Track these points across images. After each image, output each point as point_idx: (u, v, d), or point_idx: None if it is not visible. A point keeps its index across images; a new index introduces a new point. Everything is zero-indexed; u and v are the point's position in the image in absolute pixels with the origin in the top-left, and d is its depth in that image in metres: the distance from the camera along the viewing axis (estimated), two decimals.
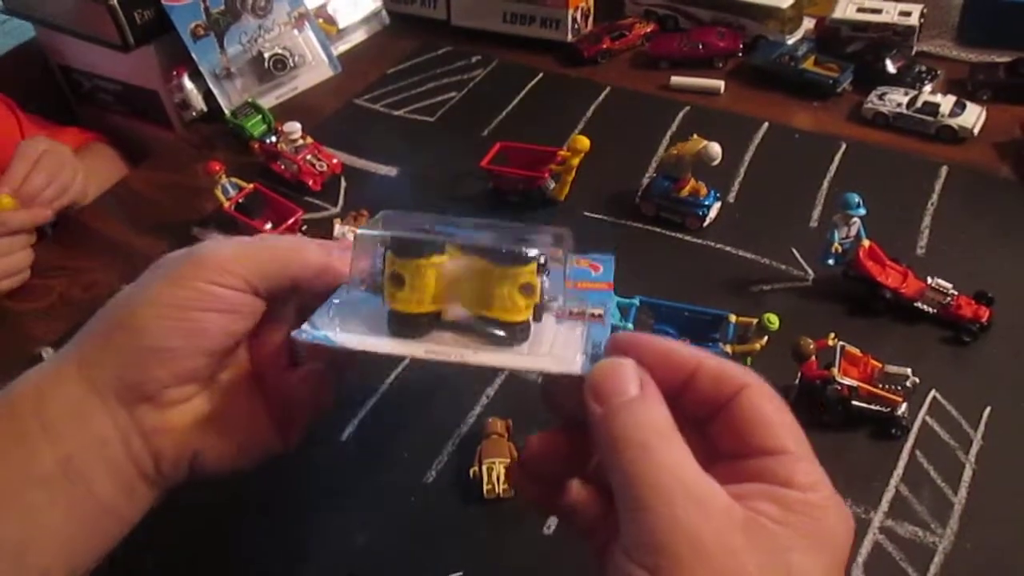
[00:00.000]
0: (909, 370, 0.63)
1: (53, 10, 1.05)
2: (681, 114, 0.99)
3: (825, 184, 0.87)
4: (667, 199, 0.84)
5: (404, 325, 0.37)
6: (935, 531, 0.58)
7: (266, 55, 1.06)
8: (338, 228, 0.85)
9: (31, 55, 1.17)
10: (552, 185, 0.87)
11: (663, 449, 0.30)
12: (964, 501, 0.59)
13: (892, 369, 0.64)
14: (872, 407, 0.63)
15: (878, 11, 1.05)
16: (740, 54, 1.08)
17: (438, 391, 0.69)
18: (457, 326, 0.38)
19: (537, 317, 0.37)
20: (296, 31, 1.10)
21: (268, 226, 0.85)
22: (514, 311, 0.36)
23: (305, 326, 0.37)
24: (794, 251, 0.79)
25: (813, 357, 0.64)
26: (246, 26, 1.06)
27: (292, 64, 1.08)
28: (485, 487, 0.60)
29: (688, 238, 0.83)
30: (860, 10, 1.06)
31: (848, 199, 0.72)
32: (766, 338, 0.66)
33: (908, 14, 1.04)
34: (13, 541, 0.34)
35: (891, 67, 1.00)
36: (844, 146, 0.92)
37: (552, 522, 0.59)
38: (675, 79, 1.04)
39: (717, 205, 0.84)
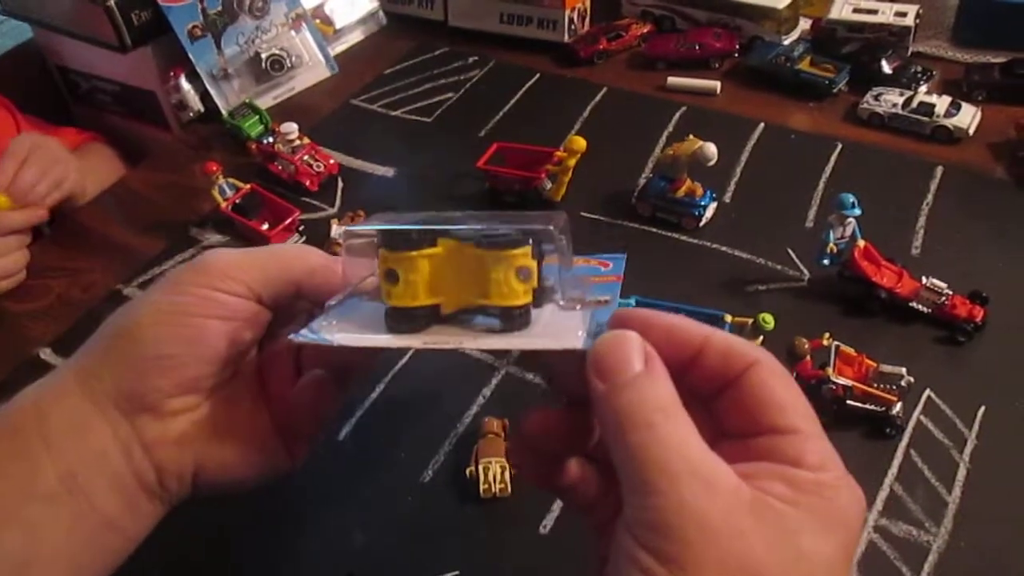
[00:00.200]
0: (904, 369, 0.63)
1: (51, 11, 1.06)
2: (677, 115, 0.99)
3: (821, 184, 0.88)
4: (663, 199, 0.84)
5: (401, 320, 0.36)
6: (929, 530, 0.58)
7: (263, 56, 1.06)
8: (335, 229, 0.85)
9: (29, 56, 1.17)
10: (549, 185, 0.87)
11: (668, 428, 0.29)
12: (958, 500, 0.59)
13: (887, 368, 0.64)
14: (867, 406, 0.63)
15: (874, 12, 1.06)
16: (736, 55, 1.08)
17: (435, 391, 0.70)
18: (456, 319, 0.37)
19: (537, 303, 0.36)
20: (293, 32, 1.10)
21: (265, 226, 0.85)
22: (511, 296, 0.35)
23: (303, 330, 0.36)
24: (790, 251, 0.79)
25: (808, 357, 0.64)
26: (243, 27, 1.06)
27: (289, 65, 1.08)
28: (482, 487, 0.60)
29: (684, 238, 0.83)
30: (856, 11, 1.06)
31: (843, 199, 0.72)
32: (761, 338, 0.66)
33: (904, 15, 1.05)
34: (16, 558, 0.34)
35: (887, 68, 1.00)
36: (840, 146, 0.92)
37: (549, 521, 0.59)
38: (671, 80, 1.05)
39: (713, 205, 0.84)
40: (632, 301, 0.69)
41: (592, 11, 1.16)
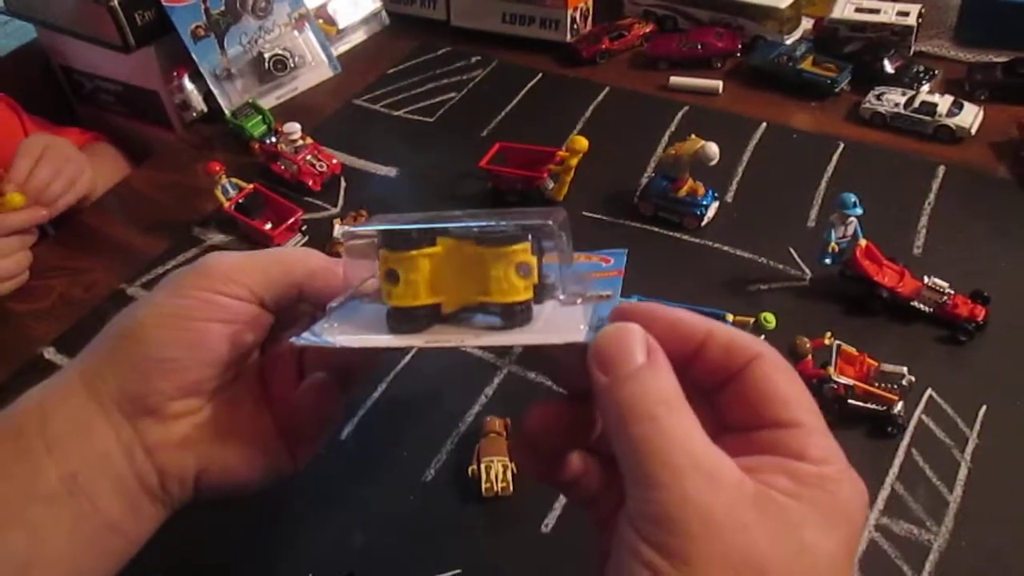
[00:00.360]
0: (905, 368, 0.63)
1: (54, 11, 1.06)
2: (680, 114, 0.99)
3: (823, 184, 0.88)
4: (665, 199, 0.84)
5: (403, 320, 0.36)
6: (930, 529, 0.58)
7: (266, 56, 1.07)
8: (338, 228, 0.85)
9: (33, 56, 1.17)
10: (551, 185, 0.87)
11: (671, 421, 0.29)
12: (959, 499, 0.59)
13: (888, 368, 0.64)
14: (868, 406, 0.63)
15: (876, 11, 1.06)
16: (738, 54, 1.08)
17: (436, 390, 0.70)
18: (457, 317, 0.37)
19: (538, 299, 0.36)
20: (296, 32, 1.11)
21: (268, 226, 0.86)
22: (512, 292, 0.35)
23: (305, 333, 0.36)
24: (791, 251, 0.79)
25: (809, 356, 0.64)
26: (246, 27, 1.06)
27: (292, 65, 1.09)
28: (484, 485, 0.60)
29: (686, 238, 0.83)
30: (858, 10, 1.06)
31: (845, 199, 0.72)
32: (763, 337, 0.66)
33: (906, 14, 1.04)
34: (18, 559, 0.34)
35: (889, 67, 1.00)
36: (842, 146, 0.92)
37: (550, 520, 0.60)
38: (674, 79, 1.05)
39: (715, 205, 0.85)
40: (634, 300, 0.69)
41: (594, 11, 1.16)
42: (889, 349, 0.68)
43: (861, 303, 0.73)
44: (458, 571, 0.57)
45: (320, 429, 0.44)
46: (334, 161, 0.95)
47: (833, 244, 0.73)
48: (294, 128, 0.95)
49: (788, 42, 1.07)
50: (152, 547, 0.59)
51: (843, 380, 0.63)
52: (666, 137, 0.96)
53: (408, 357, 0.72)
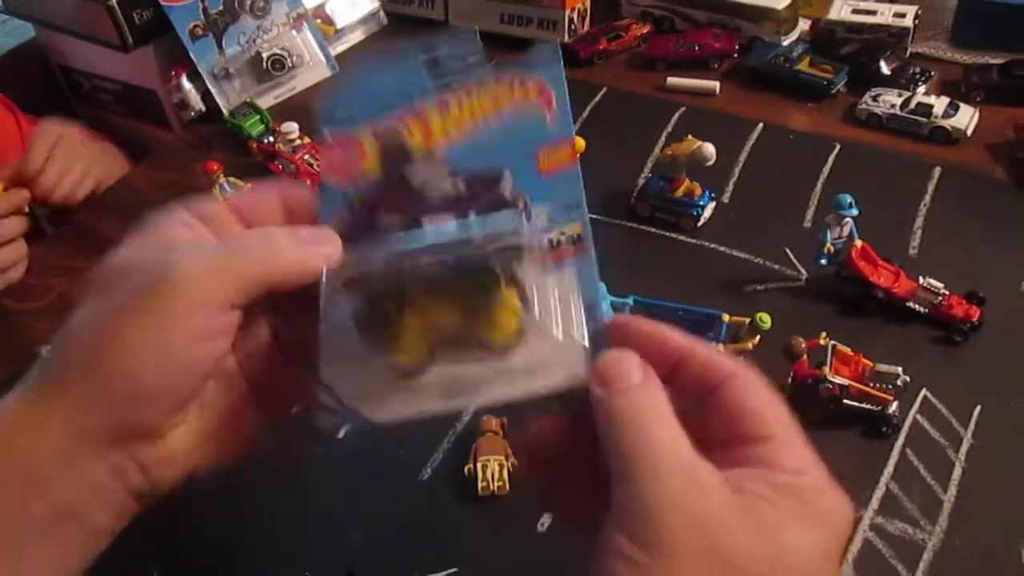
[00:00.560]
0: (900, 369, 0.64)
1: (53, 10, 1.06)
2: (677, 115, 1.00)
3: (819, 185, 0.88)
4: (662, 199, 0.84)
5: (409, 376, 0.36)
6: (925, 528, 0.58)
7: (264, 55, 1.07)
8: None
9: (31, 55, 1.17)
10: None
11: (661, 431, 0.30)
12: (954, 499, 0.60)
13: (883, 368, 0.64)
14: (863, 405, 0.63)
15: (873, 13, 1.06)
16: (736, 55, 1.08)
17: None
18: (453, 354, 0.36)
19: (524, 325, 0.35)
20: (294, 32, 1.11)
21: None
22: (504, 331, 0.35)
23: (324, 396, 0.35)
24: (787, 251, 0.79)
25: (804, 356, 0.65)
26: (244, 27, 1.06)
27: (290, 64, 1.09)
28: (480, 484, 0.60)
29: (683, 238, 0.84)
30: (855, 12, 1.07)
31: (840, 200, 0.73)
32: (758, 337, 0.66)
33: (902, 16, 1.05)
34: None
35: (885, 68, 1.00)
36: (838, 147, 0.93)
37: (546, 519, 0.60)
38: (671, 80, 1.05)
39: (712, 205, 0.85)
40: (630, 301, 0.70)
41: (592, 11, 1.16)
42: (884, 349, 0.68)
43: (856, 303, 0.73)
44: (454, 570, 0.57)
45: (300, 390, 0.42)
46: None
47: (829, 245, 0.74)
48: (292, 128, 0.96)
49: (785, 43, 1.08)
50: (150, 547, 0.59)
51: (838, 380, 0.63)
52: (663, 138, 0.96)
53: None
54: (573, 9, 1.12)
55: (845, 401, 0.63)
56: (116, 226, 0.92)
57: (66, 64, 1.16)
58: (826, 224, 0.74)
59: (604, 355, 0.33)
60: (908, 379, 0.64)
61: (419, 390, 0.35)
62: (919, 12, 1.06)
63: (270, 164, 0.94)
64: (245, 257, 0.35)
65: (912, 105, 0.93)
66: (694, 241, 0.83)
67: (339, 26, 1.18)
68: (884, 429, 0.63)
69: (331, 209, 0.37)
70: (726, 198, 0.88)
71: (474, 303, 0.35)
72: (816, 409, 0.64)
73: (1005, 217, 0.83)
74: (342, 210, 0.37)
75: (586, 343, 0.35)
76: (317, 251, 0.36)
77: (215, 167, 0.87)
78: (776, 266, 0.79)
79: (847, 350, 0.65)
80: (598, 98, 1.03)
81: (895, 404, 0.63)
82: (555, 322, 0.35)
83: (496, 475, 0.60)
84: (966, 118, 0.92)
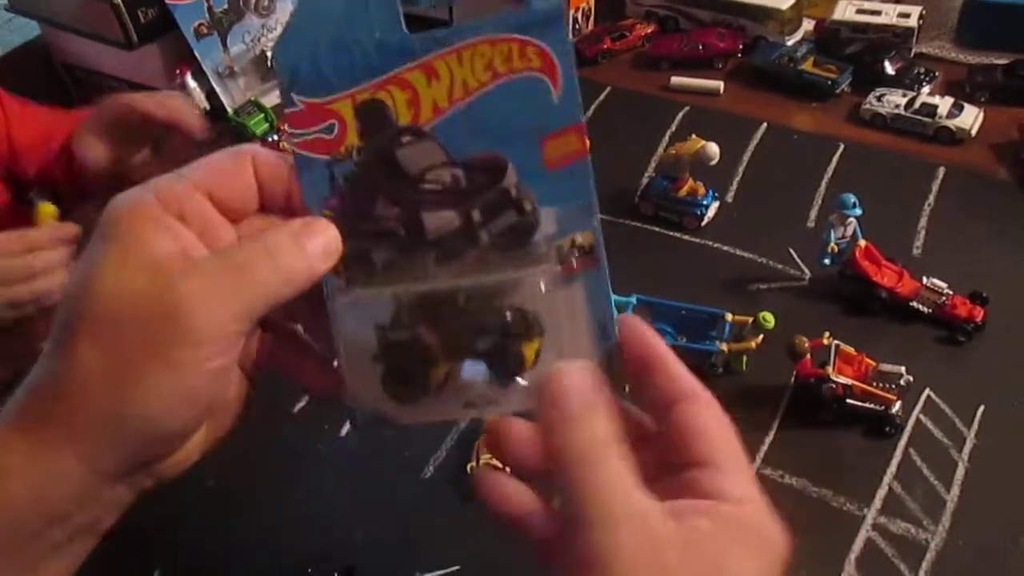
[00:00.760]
0: (903, 368, 0.64)
1: (57, 8, 1.06)
2: (681, 114, 1.00)
3: (823, 184, 0.88)
4: (666, 199, 0.84)
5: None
6: (927, 528, 0.58)
7: (269, 54, 1.07)
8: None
9: (35, 53, 1.17)
10: None
11: (604, 465, 0.30)
12: (956, 499, 0.60)
13: (886, 367, 0.64)
14: (866, 405, 0.63)
15: (877, 13, 1.06)
16: (740, 55, 1.08)
17: None
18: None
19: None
20: None
21: None
22: (523, 366, 0.35)
23: (347, 399, 0.35)
24: (791, 251, 0.79)
25: (808, 355, 0.65)
26: (249, 25, 1.06)
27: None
28: None
29: (686, 237, 0.84)
30: (859, 12, 1.06)
31: (844, 199, 0.73)
32: (761, 336, 0.66)
33: (907, 16, 1.05)
34: None
35: (890, 68, 1.00)
36: (842, 147, 0.93)
37: None
38: (675, 79, 1.05)
39: (715, 205, 0.85)
40: (633, 299, 0.70)
41: (596, 11, 1.16)
42: (888, 349, 0.68)
43: (860, 303, 0.73)
44: (456, 568, 0.57)
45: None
46: None
47: (832, 244, 0.74)
48: None
49: (789, 43, 1.08)
50: (152, 547, 0.59)
51: (841, 380, 0.63)
52: (667, 137, 0.96)
53: None
54: (578, 8, 1.12)
55: (848, 400, 0.63)
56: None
57: (70, 62, 1.16)
58: (830, 224, 0.74)
59: (552, 369, 0.32)
60: (911, 379, 0.64)
61: (443, 400, 0.35)
62: (923, 12, 1.05)
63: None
64: (249, 281, 0.33)
65: (916, 105, 0.93)
66: (698, 240, 0.83)
67: None
68: (887, 429, 0.63)
69: (312, 185, 0.34)
70: (730, 197, 0.88)
71: (497, 357, 0.35)
72: (819, 409, 0.64)
73: (1009, 217, 0.83)
74: (326, 187, 0.34)
75: (598, 361, 0.34)
76: (319, 252, 0.34)
77: None
78: (780, 265, 0.79)
79: (850, 350, 0.65)
80: (602, 97, 1.04)
81: (898, 404, 0.63)
82: (566, 341, 0.34)
83: None
84: (970, 118, 0.92)
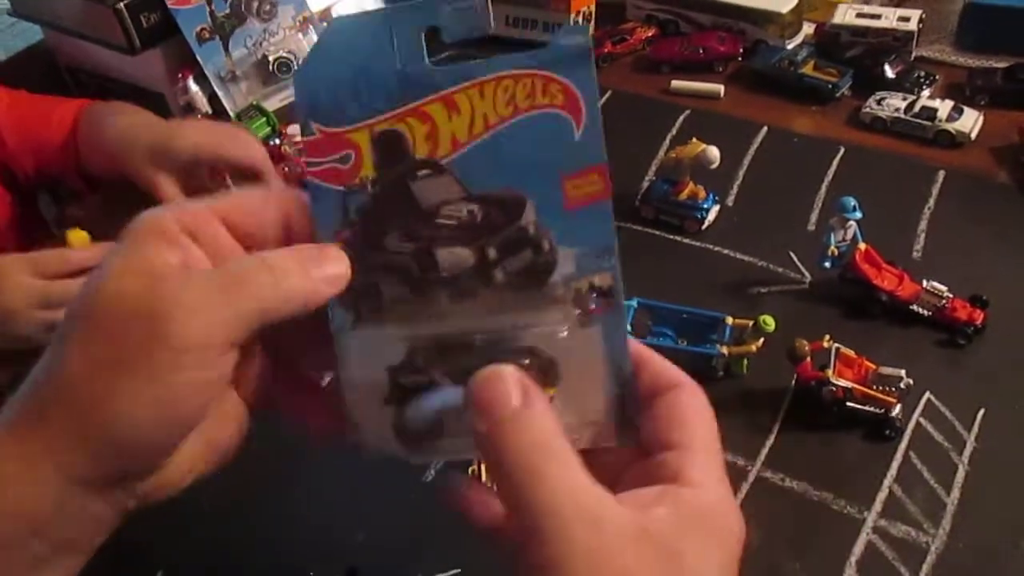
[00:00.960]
0: (903, 371, 0.64)
1: (60, 13, 1.07)
2: (681, 118, 1.00)
3: (823, 188, 0.88)
4: (666, 202, 0.85)
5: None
6: (928, 531, 0.58)
7: (271, 58, 1.07)
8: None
9: (39, 57, 1.18)
10: None
11: (551, 468, 0.29)
12: (957, 502, 0.60)
13: (886, 370, 0.64)
14: (866, 408, 0.64)
15: (877, 16, 1.06)
16: (740, 58, 1.09)
17: None
18: None
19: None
20: (300, 34, 1.11)
21: None
22: None
23: (355, 438, 0.34)
24: (791, 254, 0.79)
25: (808, 359, 0.65)
26: (251, 29, 1.07)
27: (296, 67, 1.09)
28: None
29: (687, 241, 0.84)
30: (859, 15, 1.07)
31: (844, 203, 0.73)
32: (762, 340, 0.67)
33: (907, 19, 1.05)
34: None
35: (890, 72, 1.00)
36: (842, 150, 0.93)
37: None
38: (675, 83, 1.05)
39: (716, 208, 0.85)
40: (634, 303, 0.70)
41: (597, 15, 1.16)
42: (888, 352, 0.68)
43: (860, 306, 0.73)
44: (457, 571, 0.57)
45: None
46: None
47: (833, 248, 0.74)
48: (298, 130, 0.96)
49: (789, 47, 1.08)
50: (155, 548, 0.59)
51: (842, 383, 0.63)
52: (668, 141, 0.96)
53: None
54: (578, 12, 1.12)
55: (848, 404, 0.63)
56: (120, 228, 0.93)
57: (73, 66, 1.16)
58: (830, 227, 0.74)
59: (476, 376, 0.30)
60: (911, 382, 0.64)
61: (452, 438, 0.34)
62: (923, 16, 1.06)
63: (276, 167, 0.95)
64: (244, 293, 0.32)
65: (916, 108, 0.93)
66: (698, 244, 0.83)
67: None
68: (887, 432, 0.64)
69: (324, 215, 0.33)
70: (730, 201, 0.88)
71: None
72: (820, 412, 0.64)
73: (1009, 221, 0.83)
74: (338, 219, 0.33)
75: (613, 405, 0.33)
76: (325, 276, 0.33)
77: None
78: (780, 269, 0.79)
79: (851, 353, 0.66)
80: (603, 101, 1.04)
81: (898, 407, 0.63)
82: (580, 386, 0.33)
83: None
84: (970, 121, 0.92)
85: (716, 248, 0.82)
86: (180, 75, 1.05)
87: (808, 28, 1.12)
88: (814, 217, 0.85)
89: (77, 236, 0.81)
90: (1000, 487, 0.61)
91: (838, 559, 0.57)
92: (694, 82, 1.05)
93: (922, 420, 0.65)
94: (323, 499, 0.63)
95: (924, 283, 0.72)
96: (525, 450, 0.29)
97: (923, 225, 0.83)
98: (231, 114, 1.04)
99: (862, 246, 0.73)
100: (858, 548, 0.58)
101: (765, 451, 0.64)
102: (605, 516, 0.29)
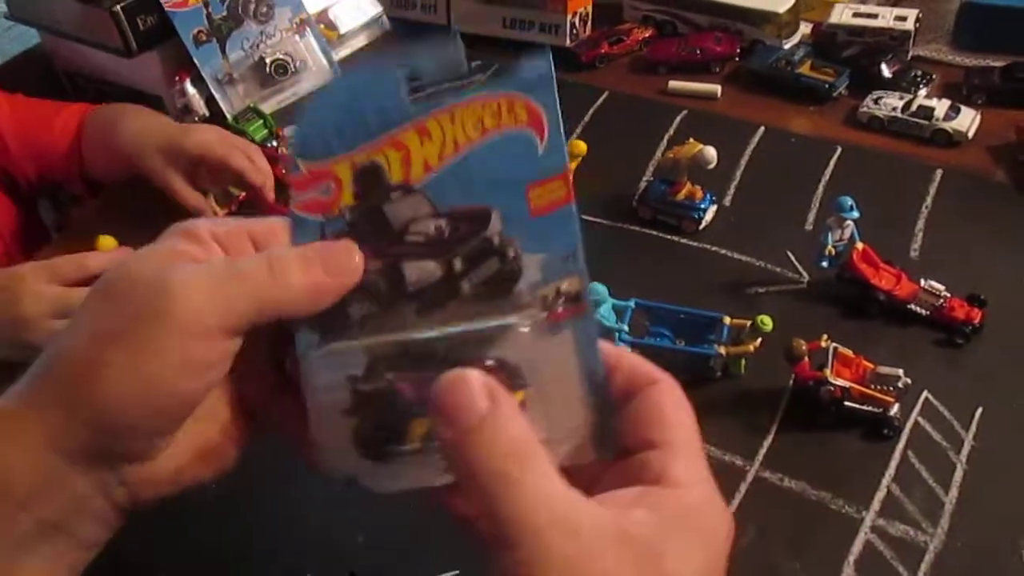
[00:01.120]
0: (901, 371, 0.64)
1: (57, 16, 1.07)
2: (678, 118, 1.00)
3: (820, 188, 0.88)
4: (663, 202, 0.85)
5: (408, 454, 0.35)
6: (926, 530, 0.58)
7: (268, 60, 1.07)
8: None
9: (36, 61, 1.18)
10: None
11: (525, 477, 0.28)
12: (955, 501, 0.60)
13: (884, 370, 0.64)
14: (864, 408, 0.64)
15: (874, 16, 1.06)
16: (737, 59, 1.09)
17: None
18: None
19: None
20: (297, 37, 1.11)
21: None
22: None
23: (324, 460, 0.34)
24: (789, 254, 0.79)
25: (806, 358, 0.65)
26: (248, 32, 1.07)
27: (293, 69, 1.09)
28: None
29: (684, 241, 0.84)
30: (856, 15, 1.07)
31: (841, 202, 0.73)
32: (760, 340, 0.67)
33: (904, 19, 1.05)
34: None
35: (887, 71, 1.00)
36: (840, 150, 0.93)
37: None
38: (673, 84, 1.05)
39: (713, 208, 0.85)
40: (631, 303, 0.70)
41: (594, 16, 1.16)
42: (886, 352, 0.68)
43: (858, 306, 0.73)
44: (456, 572, 0.57)
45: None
46: None
47: (830, 247, 0.74)
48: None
49: (786, 46, 1.08)
50: (156, 548, 0.59)
51: (839, 382, 0.63)
52: (665, 141, 0.96)
53: None
54: (575, 13, 1.12)
55: (846, 403, 0.63)
56: (117, 230, 0.93)
57: (71, 70, 1.16)
58: (827, 227, 0.74)
59: (440, 381, 0.30)
60: (909, 381, 0.64)
61: (421, 465, 0.34)
62: (920, 15, 1.06)
63: (273, 168, 0.95)
64: (243, 282, 0.33)
65: (913, 108, 0.93)
66: (696, 244, 0.83)
67: (342, 31, 1.19)
68: (885, 431, 0.64)
69: (304, 242, 0.34)
70: (727, 201, 0.88)
71: None
72: (817, 411, 0.64)
73: (1006, 219, 0.83)
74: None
75: (588, 416, 0.33)
76: (330, 269, 0.34)
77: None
78: (777, 269, 0.79)
79: (848, 352, 0.66)
80: (600, 102, 1.04)
81: (896, 406, 0.63)
82: (554, 393, 0.33)
83: None
84: (967, 121, 0.92)
85: (713, 248, 0.82)
86: (177, 78, 1.05)
87: (805, 28, 1.12)
88: (811, 217, 0.85)
89: (106, 242, 0.80)
90: (998, 486, 0.61)
91: (836, 559, 0.57)
92: (691, 82, 1.05)
93: (920, 419, 0.65)
94: (322, 499, 0.63)
95: (922, 282, 0.72)
96: (496, 457, 0.28)
97: (920, 224, 0.83)
98: (228, 116, 1.04)
99: (859, 245, 0.73)
100: (856, 547, 0.58)
101: (763, 451, 0.64)
102: (582, 521, 0.28)
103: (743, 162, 0.93)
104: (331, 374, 0.34)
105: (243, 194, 0.88)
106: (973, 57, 1.04)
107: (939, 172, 0.88)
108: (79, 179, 0.97)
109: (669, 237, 0.84)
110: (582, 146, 0.83)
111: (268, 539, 0.61)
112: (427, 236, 0.34)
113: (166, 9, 1.01)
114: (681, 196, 0.84)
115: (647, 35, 1.14)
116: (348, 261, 0.34)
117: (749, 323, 0.67)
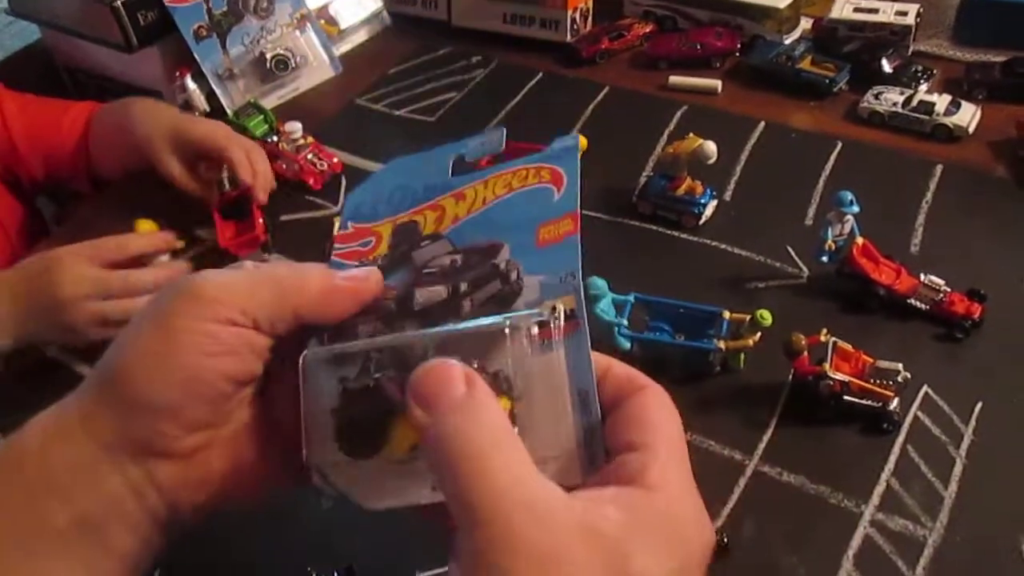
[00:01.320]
0: (900, 365, 0.64)
1: (58, 12, 1.07)
2: (679, 113, 1.00)
3: (821, 183, 0.88)
4: (664, 197, 0.85)
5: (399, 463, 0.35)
6: (925, 524, 0.58)
7: (268, 56, 1.07)
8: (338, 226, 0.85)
9: (37, 56, 1.18)
10: None
11: (499, 459, 0.28)
12: (954, 495, 0.60)
13: (883, 364, 0.64)
14: (864, 402, 0.64)
15: (875, 11, 1.06)
16: (738, 54, 1.08)
17: None
18: None
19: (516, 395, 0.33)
20: (298, 32, 1.11)
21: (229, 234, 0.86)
22: None
23: (315, 477, 0.36)
24: (789, 249, 0.79)
25: (805, 353, 0.65)
26: (248, 27, 1.07)
27: (294, 65, 1.09)
28: None
29: (684, 236, 0.84)
30: (857, 10, 1.07)
31: (841, 197, 0.73)
32: (759, 334, 0.67)
33: (904, 14, 1.05)
34: None
35: (887, 67, 1.00)
36: (840, 145, 0.93)
37: None
38: (673, 79, 1.05)
39: (713, 203, 0.85)
40: (631, 298, 0.70)
41: (594, 11, 1.16)
42: (886, 346, 0.68)
43: (858, 300, 0.73)
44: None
45: None
46: (335, 160, 0.95)
47: (830, 242, 0.74)
48: (295, 127, 0.96)
49: (787, 42, 1.08)
50: None
51: (839, 377, 0.63)
52: (665, 136, 0.96)
53: None
54: (576, 9, 1.12)
55: (846, 398, 0.63)
56: (118, 226, 0.93)
57: (71, 65, 1.16)
58: (827, 221, 0.74)
59: (418, 369, 0.31)
60: (909, 376, 0.64)
61: (409, 480, 0.34)
62: (921, 10, 1.06)
63: (274, 164, 0.95)
64: (264, 275, 0.36)
65: (914, 103, 0.93)
66: (695, 239, 0.83)
67: (343, 26, 1.19)
68: (885, 426, 0.64)
69: None
70: (728, 196, 0.88)
71: None
72: (817, 406, 0.64)
73: (1006, 214, 0.83)
74: None
75: (576, 436, 0.32)
76: (347, 276, 0.37)
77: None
78: (777, 263, 0.79)
79: (848, 347, 0.66)
80: (600, 97, 1.04)
81: (896, 401, 0.63)
82: (544, 407, 0.33)
83: None
84: (968, 116, 0.92)
85: (713, 243, 0.82)
86: (178, 73, 1.05)
87: (805, 23, 1.11)
88: (811, 212, 0.85)
89: (146, 225, 0.81)
90: (998, 481, 0.61)
91: (835, 553, 0.57)
92: (691, 78, 1.05)
93: (920, 414, 0.65)
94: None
95: (922, 277, 0.72)
96: (471, 440, 0.29)
97: (921, 219, 0.83)
98: (229, 112, 1.04)
99: (859, 240, 0.73)
100: (855, 542, 0.58)
101: (762, 445, 0.64)
102: (553, 509, 0.28)
103: (743, 157, 0.93)
104: (326, 376, 0.35)
105: (234, 192, 0.87)
106: (974, 52, 1.04)
107: (939, 167, 0.88)
108: (85, 177, 0.97)
109: (669, 232, 0.84)
110: (583, 141, 0.83)
111: (268, 536, 0.61)
112: (442, 268, 0.37)
113: (166, 4, 1.01)
114: (681, 191, 0.84)
115: (647, 30, 1.14)
116: (366, 274, 0.37)
117: (749, 318, 0.67)
